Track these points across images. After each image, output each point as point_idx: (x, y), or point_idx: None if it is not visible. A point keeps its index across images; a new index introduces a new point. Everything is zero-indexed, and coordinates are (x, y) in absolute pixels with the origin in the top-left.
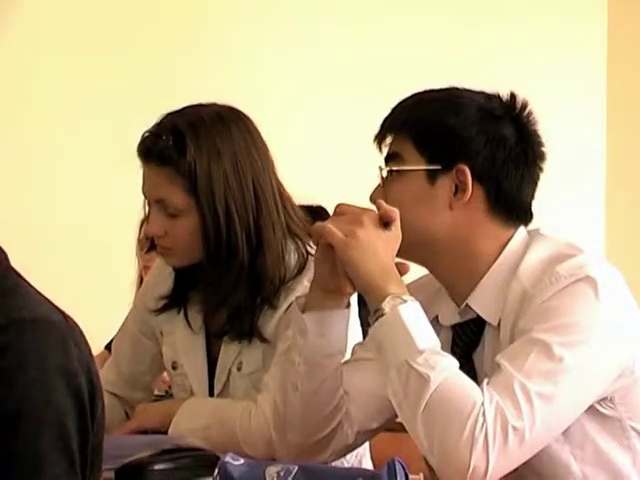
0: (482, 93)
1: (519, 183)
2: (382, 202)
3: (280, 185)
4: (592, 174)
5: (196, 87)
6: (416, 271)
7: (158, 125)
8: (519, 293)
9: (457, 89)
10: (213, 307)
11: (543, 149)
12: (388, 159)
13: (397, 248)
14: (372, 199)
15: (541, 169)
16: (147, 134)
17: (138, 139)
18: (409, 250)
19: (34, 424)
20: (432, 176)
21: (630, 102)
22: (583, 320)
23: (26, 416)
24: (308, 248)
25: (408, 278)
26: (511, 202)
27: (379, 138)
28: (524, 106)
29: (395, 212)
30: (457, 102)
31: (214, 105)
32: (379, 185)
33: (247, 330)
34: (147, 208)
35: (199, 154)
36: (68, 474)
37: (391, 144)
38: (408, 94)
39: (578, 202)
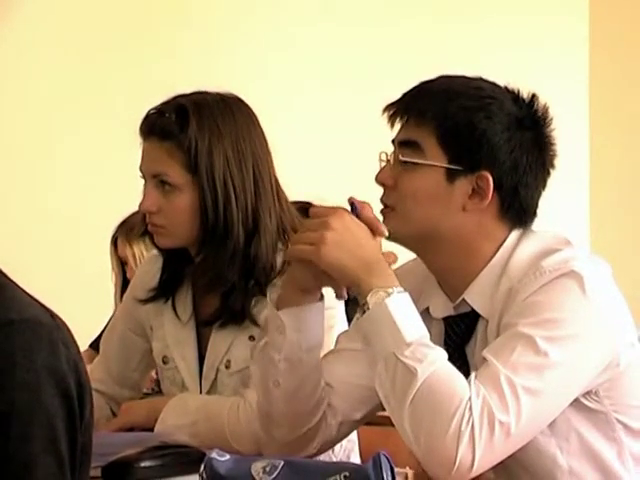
0: (508, 92)
1: (533, 191)
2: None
3: (277, 179)
4: (576, 169)
5: (195, 86)
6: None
7: (163, 104)
8: (506, 288)
9: (483, 81)
10: (207, 285)
11: (556, 156)
12: (405, 144)
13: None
14: (379, 180)
15: (550, 175)
16: (151, 112)
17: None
18: (410, 242)
19: (23, 425)
20: (452, 175)
21: (612, 98)
22: (568, 315)
23: (15, 417)
24: None
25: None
26: (524, 209)
27: (395, 114)
28: (545, 112)
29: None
30: (489, 103)
31: (219, 92)
32: (386, 166)
33: (239, 312)
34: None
35: (201, 132)
36: (57, 475)
37: (409, 129)
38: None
39: (562, 196)
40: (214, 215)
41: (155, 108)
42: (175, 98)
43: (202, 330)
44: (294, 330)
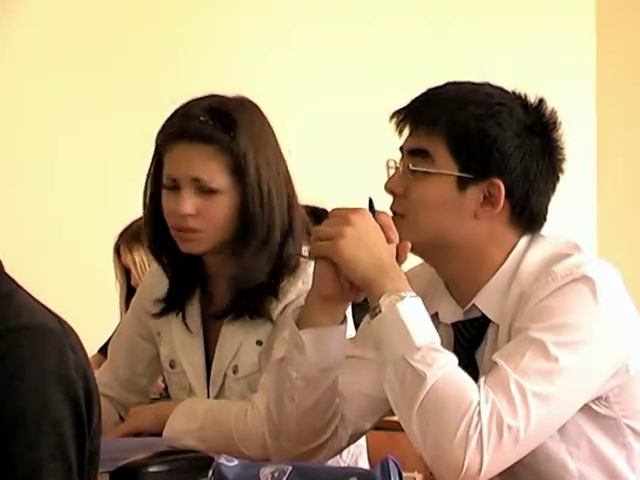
0: (517, 97)
1: (544, 197)
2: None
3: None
4: (583, 171)
5: (195, 88)
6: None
7: (198, 107)
8: (517, 293)
9: (491, 87)
10: (240, 287)
11: (565, 161)
12: (414, 153)
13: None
14: (389, 188)
15: (559, 180)
16: (181, 113)
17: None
18: (420, 249)
19: (32, 432)
20: (463, 183)
21: (619, 99)
22: (579, 320)
23: (24, 424)
24: (303, 251)
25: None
26: (535, 215)
27: (403, 121)
28: (553, 116)
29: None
30: (499, 110)
31: (234, 96)
32: (396, 174)
33: (254, 307)
34: (165, 196)
35: (246, 136)
36: None
37: (419, 137)
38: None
39: (569, 200)
40: (260, 218)
41: (189, 113)
42: (199, 100)
43: (209, 335)
44: (314, 350)
